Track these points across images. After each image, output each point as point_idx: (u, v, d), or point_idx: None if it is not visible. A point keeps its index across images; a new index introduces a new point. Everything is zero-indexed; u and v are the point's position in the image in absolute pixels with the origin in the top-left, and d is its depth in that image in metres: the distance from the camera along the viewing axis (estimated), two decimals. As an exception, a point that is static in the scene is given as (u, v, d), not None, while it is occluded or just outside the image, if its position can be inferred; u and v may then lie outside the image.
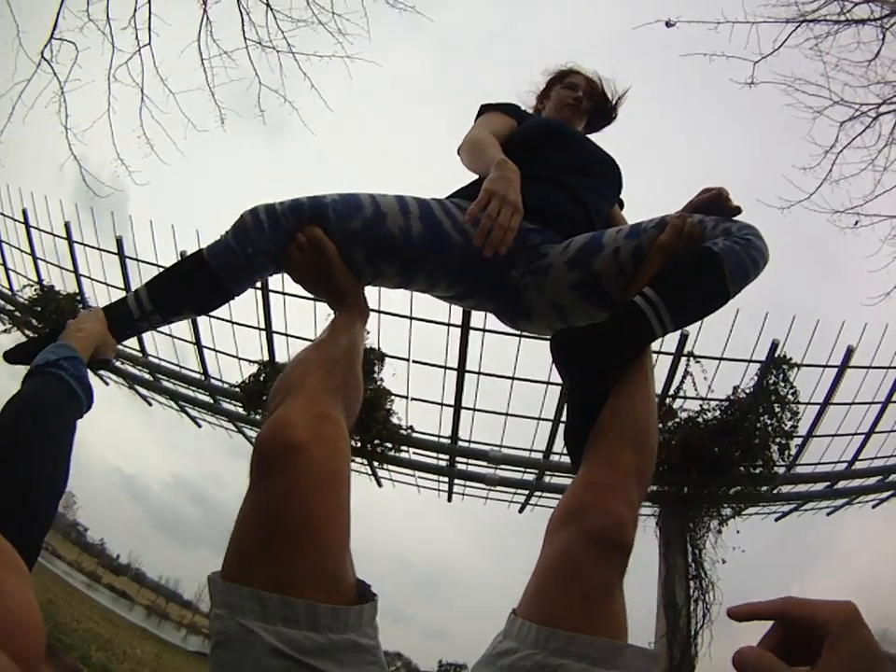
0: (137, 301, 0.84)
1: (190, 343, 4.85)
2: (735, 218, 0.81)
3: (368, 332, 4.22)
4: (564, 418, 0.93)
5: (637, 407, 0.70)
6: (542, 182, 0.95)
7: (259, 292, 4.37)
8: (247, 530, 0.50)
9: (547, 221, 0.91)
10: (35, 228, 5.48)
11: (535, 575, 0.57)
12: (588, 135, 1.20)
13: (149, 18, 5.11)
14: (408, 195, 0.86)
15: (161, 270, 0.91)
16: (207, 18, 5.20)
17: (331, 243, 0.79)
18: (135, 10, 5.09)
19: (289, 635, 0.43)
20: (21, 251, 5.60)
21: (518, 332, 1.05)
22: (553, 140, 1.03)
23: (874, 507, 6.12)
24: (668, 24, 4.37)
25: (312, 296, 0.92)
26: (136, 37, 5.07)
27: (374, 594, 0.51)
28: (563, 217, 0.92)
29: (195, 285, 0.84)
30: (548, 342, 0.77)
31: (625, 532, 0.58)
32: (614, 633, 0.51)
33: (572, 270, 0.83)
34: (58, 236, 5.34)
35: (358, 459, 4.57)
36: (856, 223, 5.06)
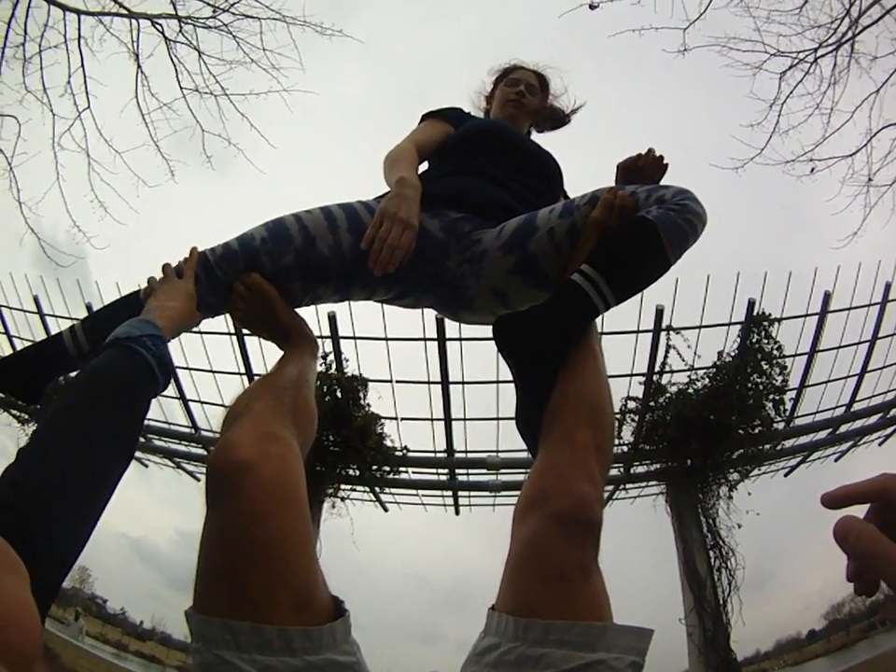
0: (74, 340, 0.82)
1: (175, 398, 4.82)
2: (668, 184, 0.80)
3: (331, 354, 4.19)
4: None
5: (587, 384, 0.69)
6: (474, 176, 0.95)
7: (234, 337, 4.36)
8: (208, 557, 0.49)
9: (475, 210, 0.90)
10: (6, 306, 5.45)
11: (507, 567, 0.56)
12: (533, 135, 1.20)
13: (85, 81, 5.12)
14: (334, 204, 0.87)
15: (98, 310, 0.89)
16: (142, 73, 5.22)
17: (270, 285, 0.80)
18: (70, 76, 5.10)
19: (265, 662, 0.43)
20: (-5, 332, 5.55)
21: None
22: (488, 141, 1.03)
23: (880, 444, 6.14)
24: (592, 7, 4.41)
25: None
26: (75, 103, 5.07)
27: (346, 609, 0.50)
28: (494, 206, 0.91)
29: None
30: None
31: (591, 510, 0.56)
32: (594, 613, 0.50)
33: (508, 254, 0.82)
34: (28, 311, 5.31)
35: (360, 488, 4.55)
36: (812, 170, 5.08)
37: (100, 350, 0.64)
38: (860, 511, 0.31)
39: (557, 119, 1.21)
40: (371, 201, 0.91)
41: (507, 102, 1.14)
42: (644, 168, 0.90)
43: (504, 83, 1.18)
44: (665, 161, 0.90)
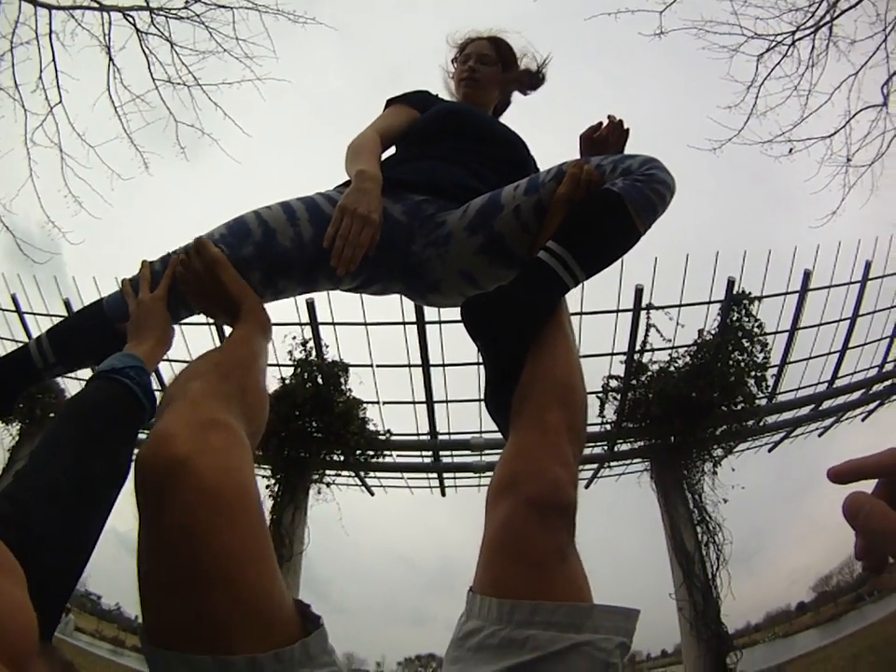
0: (41, 351, 0.82)
1: (157, 391, 4.78)
2: (634, 154, 0.78)
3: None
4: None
5: (558, 364, 0.67)
6: (437, 159, 0.95)
7: (214, 328, 4.34)
8: (149, 579, 0.43)
9: (439, 192, 0.89)
10: (-17, 305, 5.39)
11: (483, 551, 0.55)
12: (504, 111, 1.19)
13: (56, 76, 5.04)
14: (294, 199, 0.86)
15: (62, 319, 0.91)
16: (114, 66, 5.15)
17: (216, 248, 0.78)
18: (41, 71, 5.02)
19: None
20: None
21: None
22: (452, 124, 1.01)
23: (863, 420, 6.24)
24: (567, -11, 4.40)
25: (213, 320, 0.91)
26: (46, 98, 5.00)
27: (318, 616, 0.45)
28: (458, 187, 0.89)
29: (96, 337, 0.84)
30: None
31: (563, 492, 0.55)
32: (574, 595, 0.49)
33: (473, 234, 0.81)
34: (6, 310, 5.26)
35: (345, 472, 4.57)
36: (790, 150, 5.10)
37: (87, 381, 0.66)
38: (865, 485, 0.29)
39: (532, 78, 1.17)
40: (333, 191, 0.89)
41: (460, 81, 1.13)
42: (608, 137, 0.89)
43: (458, 61, 1.16)
44: (626, 127, 0.89)
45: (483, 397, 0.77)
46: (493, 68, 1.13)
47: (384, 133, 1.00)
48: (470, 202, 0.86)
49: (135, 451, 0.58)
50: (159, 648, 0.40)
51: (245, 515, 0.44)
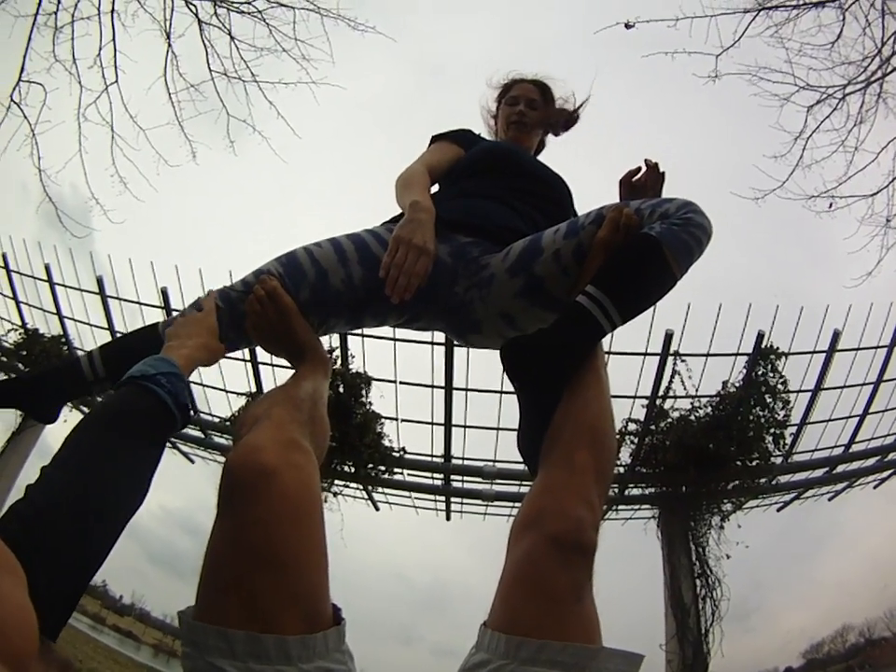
0: (91, 365, 0.84)
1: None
2: (672, 197, 0.79)
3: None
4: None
5: (589, 406, 0.69)
6: (483, 199, 0.95)
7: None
8: (219, 563, 0.48)
9: (485, 234, 0.90)
10: (17, 272, 5.46)
11: (501, 585, 0.56)
12: (541, 152, 1.22)
13: (115, 55, 5.12)
14: (342, 236, 0.87)
15: (117, 338, 0.92)
16: (172, 52, 5.22)
17: (288, 297, 0.80)
18: (100, 49, 5.10)
19: (261, 671, 0.43)
20: (4, 296, 5.57)
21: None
22: (497, 164, 1.03)
23: (875, 487, 6.12)
24: (627, 26, 4.42)
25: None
26: (103, 76, 5.08)
27: (342, 618, 0.50)
28: (503, 230, 0.91)
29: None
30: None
31: (585, 534, 0.56)
32: (585, 636, 0.50)
33: (514, 277, 0.83)
34: (39, 279, 5.32)
35: (353, 485, 4.56)
36: (830, 206, 5.06)
37: (116, 386, 0.64)
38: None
39: (568, 120, 1.21)
40: (381, 228, 0.91)
41: (509, 124, 1.15)
42: (646, 181, 0.90)
43: (505, 102, 1.18)
44: (662, 170, 0.91)
45: (516, 437, 0.77)
46: (539, 113, 1.16)
47: (431, 168, 1.02)
48: (513, 244, 0.87)
49: (161, 458, 0.60)
50: (200, 623, 0.45)
51: (311, 521, 0.52)
